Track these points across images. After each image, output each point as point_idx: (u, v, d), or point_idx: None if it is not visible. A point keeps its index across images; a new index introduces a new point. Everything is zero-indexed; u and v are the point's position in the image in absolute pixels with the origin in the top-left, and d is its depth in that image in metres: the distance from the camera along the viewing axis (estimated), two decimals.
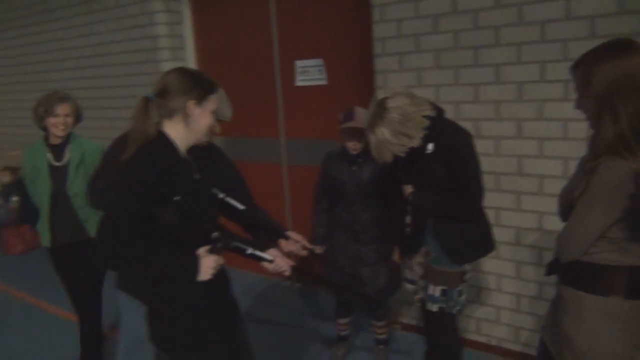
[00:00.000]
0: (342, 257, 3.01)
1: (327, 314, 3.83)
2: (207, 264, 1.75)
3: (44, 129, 3.06)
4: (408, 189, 2.45)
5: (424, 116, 2.23)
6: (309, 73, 4.07)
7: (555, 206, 1.85)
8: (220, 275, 1.85)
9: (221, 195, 1.99)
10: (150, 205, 1.67)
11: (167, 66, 4.76)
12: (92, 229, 3.10)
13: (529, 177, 2.98)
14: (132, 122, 1.78)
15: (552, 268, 1.90)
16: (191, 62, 4.86)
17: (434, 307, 2.49)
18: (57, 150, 3.06)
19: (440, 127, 2.30)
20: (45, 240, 3.12)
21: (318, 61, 3.99)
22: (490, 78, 2.99)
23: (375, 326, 3.32)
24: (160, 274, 1.78)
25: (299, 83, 4.15)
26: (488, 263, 3.20)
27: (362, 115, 2.86)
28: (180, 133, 1.78)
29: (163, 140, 1.77)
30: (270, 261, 1.97)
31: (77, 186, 3.05)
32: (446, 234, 2.42)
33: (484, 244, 2.52)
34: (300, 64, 4.11)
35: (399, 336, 3.59)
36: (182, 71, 1.81)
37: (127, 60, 5.05)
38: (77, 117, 3.09)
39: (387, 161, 2.28)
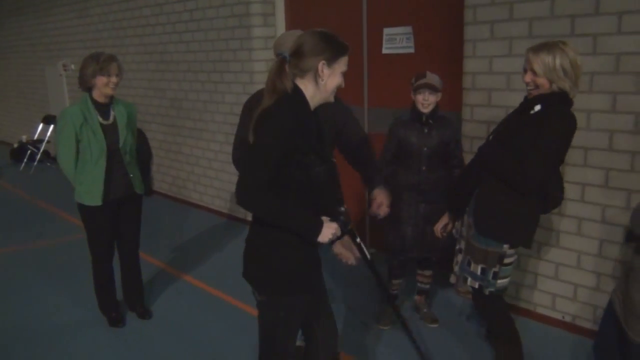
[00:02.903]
0: (407, 217, 3.13)
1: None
2: (329, 230, 1.91)
3: (89, 89, 3.10)
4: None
5: (562, 87, 2.28)
6: (396, 41, 4.08)
7: None
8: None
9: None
10: (293, 153, 1.80)
11: (258, 32, 4.95)
12: (136, 185, 3.30)
13: (621, 153, 2.88)
14: (268, 80, 1.89)
15: (630, 237, 1.91)
16: (281, 28, 5.00)
17: (475, 284, 2.44)
18: (103, 110, 3.13)
19: (561, 100, 2.29)
20: (95, 198, 3.13)
21: (407, 29, 3.99)
22: (587, 49, 2.90)
23: (421, 275, 3.46)
24: (285, 225, 1.89)
25: (385, 51, 4.18)
26: (569, 239, 3.15)
27: (433, 77, 3.03)
28: (310, 92, 1.89)
29: (300, 95, 1.88)
30: (364, 258, 2.19)
31: (127, 143, 3.21)
32: (484, 200, 2.37)
33: (518, 233, 2.39)
34: (388, 31, 4.13)
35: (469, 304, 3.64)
36: (316, 33, 1.88)
37: (221, 25, 5.28)
38: (121, 77, 3.13)
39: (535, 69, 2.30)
